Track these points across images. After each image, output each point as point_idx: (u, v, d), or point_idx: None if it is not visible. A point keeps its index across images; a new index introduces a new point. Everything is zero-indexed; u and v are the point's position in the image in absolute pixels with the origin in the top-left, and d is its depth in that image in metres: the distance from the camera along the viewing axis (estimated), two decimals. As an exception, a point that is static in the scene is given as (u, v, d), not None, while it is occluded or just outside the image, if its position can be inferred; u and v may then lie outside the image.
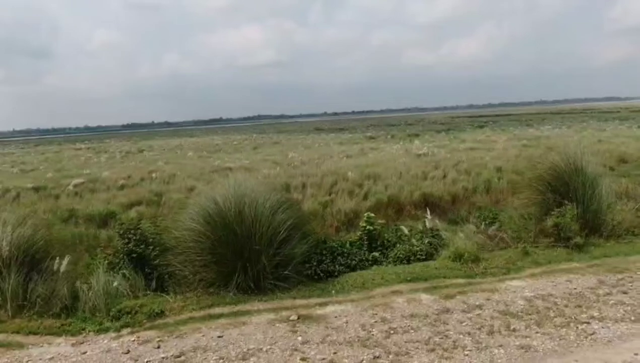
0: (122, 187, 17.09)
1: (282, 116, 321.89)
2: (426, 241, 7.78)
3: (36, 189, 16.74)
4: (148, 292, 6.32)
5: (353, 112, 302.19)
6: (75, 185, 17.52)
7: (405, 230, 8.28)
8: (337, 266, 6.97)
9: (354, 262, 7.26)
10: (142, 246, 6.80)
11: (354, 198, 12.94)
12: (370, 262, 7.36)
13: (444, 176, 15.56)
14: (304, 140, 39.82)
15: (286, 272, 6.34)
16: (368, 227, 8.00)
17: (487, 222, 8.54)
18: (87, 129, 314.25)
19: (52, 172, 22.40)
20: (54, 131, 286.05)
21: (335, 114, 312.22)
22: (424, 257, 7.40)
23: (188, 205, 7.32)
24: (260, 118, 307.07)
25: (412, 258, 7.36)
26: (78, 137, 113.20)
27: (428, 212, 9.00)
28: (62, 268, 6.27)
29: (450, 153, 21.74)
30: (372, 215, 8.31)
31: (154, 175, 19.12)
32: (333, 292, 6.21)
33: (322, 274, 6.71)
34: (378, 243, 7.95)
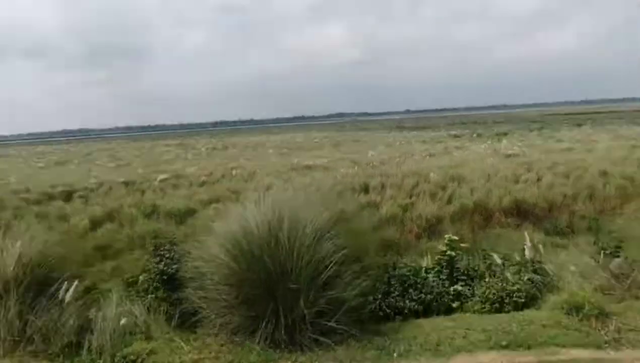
0: (202, 184, 17.46)
1: (364, 114, 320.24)
2: (525, 277, 6.09)
3: (126, 183, 17.60)
4: (168, 330, 5.32)
5: (437, 110, 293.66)
6: (160, 181, 18.19)
7: (498, 259, 6.55)
8: (407, 302, 5.70)
9: (429, 296, 5.91)
10: (174, 266, 5.82)
11: (437, 202, 12.08)
12: (451, 297, 6.01)
13: (538, 179, 14.16)
14: (384, 138, 38.92)
15: (331, 324, 4.90)
16: (449, 252, 6.62)
17: (606, 251, 6.45)
18: (181, 126, 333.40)
19: (142, 168, 23.59)
20: (151, 128, 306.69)
21: (418, 111, 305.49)
22: (522, 301, 5.73)
23: (213, 226, 5.86)
24: (343, 116, 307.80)
25: (506, 300, 5.74)
26: (172, 133, 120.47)
27: (527, 238, 6.80)
28: (68, 298, 5.29)
29: (544, 154, 19.93)
30: (455, 238, 6.92)
31: (234, 172, 19.38)
32: (395, 353, 4.66)
33: (388, 311, 5.55)
34: (461, 271, 6.52)
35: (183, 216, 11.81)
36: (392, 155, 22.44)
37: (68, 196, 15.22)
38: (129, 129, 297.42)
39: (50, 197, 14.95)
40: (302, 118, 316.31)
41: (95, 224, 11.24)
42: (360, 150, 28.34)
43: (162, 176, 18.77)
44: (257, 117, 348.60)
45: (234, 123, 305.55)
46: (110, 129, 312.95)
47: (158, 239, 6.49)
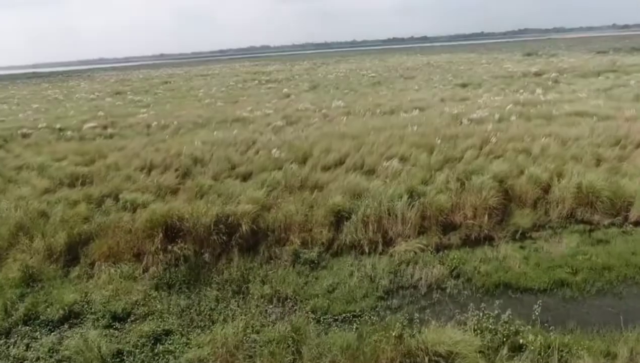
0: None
1: (554, 29, 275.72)
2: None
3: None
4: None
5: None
6: (87, 129, 18.07)
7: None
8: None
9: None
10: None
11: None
12: None
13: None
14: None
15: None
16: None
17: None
18: (353, 43, 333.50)
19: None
20: (326, 45, 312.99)
21: (627, 26, 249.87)
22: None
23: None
24: (527, 32, 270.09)
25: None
26: (328, 53, 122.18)
27: None
28: None
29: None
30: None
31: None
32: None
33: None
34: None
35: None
36: (363, 107, 18.75)
37: None
38: (304, 47, 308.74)
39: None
40: (480, 35, 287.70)
41: None
42: (370, 94, 24.28)
43: (89, 124, 18.49)
44: (431, 34, 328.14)
45: (406, 40, 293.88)
46: (287, 46, 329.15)
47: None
